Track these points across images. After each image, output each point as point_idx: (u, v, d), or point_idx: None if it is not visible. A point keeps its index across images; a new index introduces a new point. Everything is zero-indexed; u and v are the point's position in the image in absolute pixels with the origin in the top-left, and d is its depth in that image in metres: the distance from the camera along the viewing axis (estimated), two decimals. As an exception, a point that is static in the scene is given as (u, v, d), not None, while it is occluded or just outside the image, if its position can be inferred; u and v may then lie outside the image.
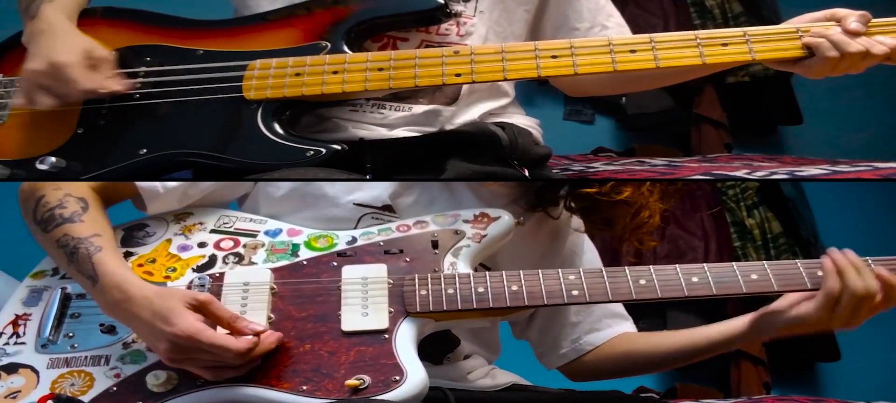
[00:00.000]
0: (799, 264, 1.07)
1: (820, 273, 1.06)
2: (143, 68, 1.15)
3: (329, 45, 1.13)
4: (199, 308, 0.97)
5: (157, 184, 1.12)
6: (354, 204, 1.15)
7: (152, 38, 1.18)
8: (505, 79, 1.10)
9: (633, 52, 1.08)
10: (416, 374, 0.94)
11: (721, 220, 2.55)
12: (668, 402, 1.83)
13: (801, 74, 1.09)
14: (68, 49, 1.08)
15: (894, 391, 2.34)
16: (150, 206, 1.14)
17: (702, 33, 1.09)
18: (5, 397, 0.97)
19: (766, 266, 1.06)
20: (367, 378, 0.93)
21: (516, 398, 1.18)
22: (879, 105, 2.74)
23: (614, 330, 1.29)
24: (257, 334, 0.97)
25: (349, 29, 1.15)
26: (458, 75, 1.08)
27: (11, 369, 1.00)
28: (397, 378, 0.93)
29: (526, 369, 1.25)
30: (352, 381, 0.93)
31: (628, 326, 1.31)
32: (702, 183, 2.50)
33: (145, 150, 1.09)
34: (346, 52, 1.12)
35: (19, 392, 0.97)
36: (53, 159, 1.10)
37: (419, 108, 1.17)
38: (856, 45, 1.04)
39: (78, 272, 1.03)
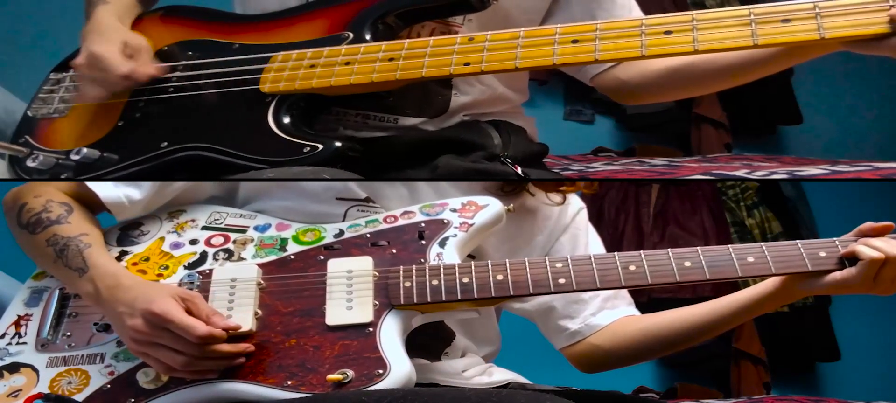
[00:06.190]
0: (799, 244, 1.01)
1: (823, 254, 1.00)
2: (183, 62, 1.15)
3: (351, 34, 1.10)
4: (185, 300, 0.97)
5: (123, 196, 1.12)
6: (336, 198, 1.13)
7: (199, 33, 1.19)
8: (516, 69, 1.01)
9: (668, 33, 0.94)
10: (400, 368, 0.93)
11: (721, 220, 2.54)
12: (667, 402, 1.83)
13: (889, 55, 0.90)
14: (106, 40, 1.14)
15: (894, 391, 2.33)
16: (118, 217, 1.15)
17: (757, 8, 0.91)
18: (7, 396, 0.99)
19: (763, 247, 1.01)
20: (351, 372, 0.92)
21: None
22: (879, 105, 2.74)
23: (630, 310, 1.24)
24: (227, 330, 0.96)
25: (376, 19, 1.10)
26: (466, 64, 1.01)
27: (13, 368, 1.02)
28: (381, 371, 0.92)
29: (525, 367, 1.23)
30: (334, 376, 0.92)
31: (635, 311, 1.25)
32: (702, 183, 2.50)
33: (166, 143, 1.10)
34: (367, 42, 1.08)
35: (21, 390, 0.99)
36: (86, 151, 1.12)
37: (407, 121, 1.16)
38: None
39: (65, 267, 1.04)
